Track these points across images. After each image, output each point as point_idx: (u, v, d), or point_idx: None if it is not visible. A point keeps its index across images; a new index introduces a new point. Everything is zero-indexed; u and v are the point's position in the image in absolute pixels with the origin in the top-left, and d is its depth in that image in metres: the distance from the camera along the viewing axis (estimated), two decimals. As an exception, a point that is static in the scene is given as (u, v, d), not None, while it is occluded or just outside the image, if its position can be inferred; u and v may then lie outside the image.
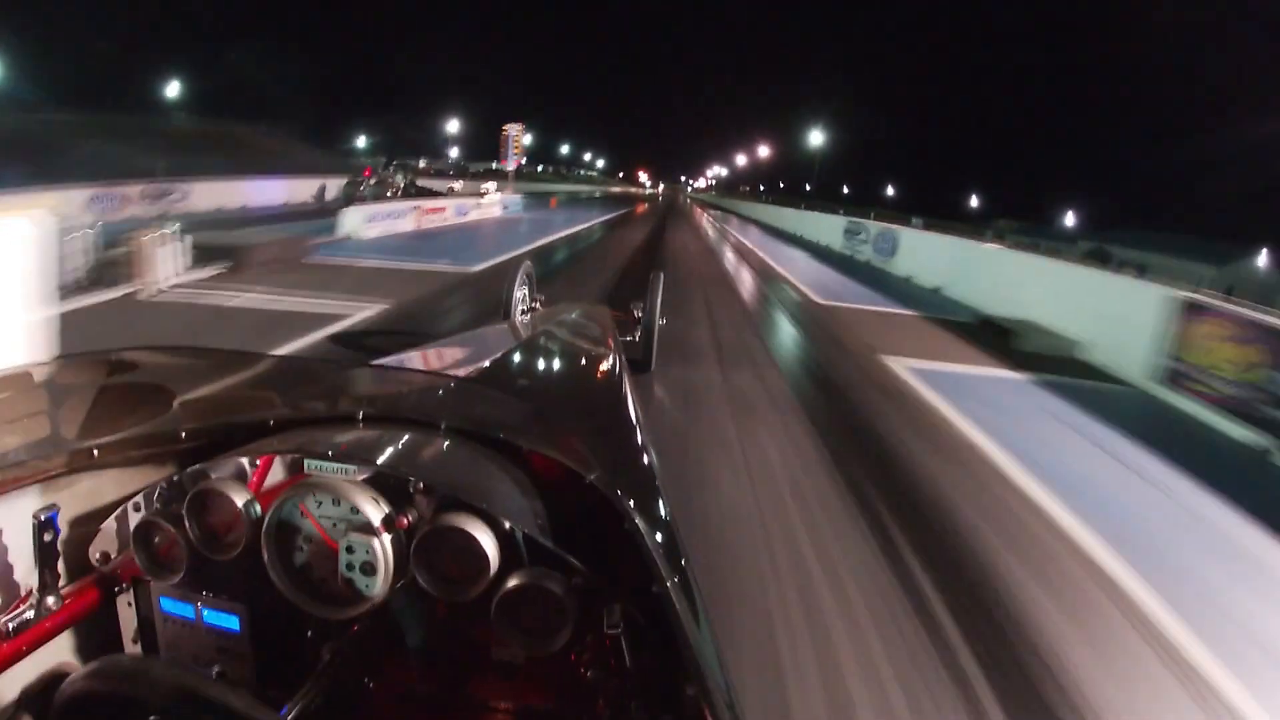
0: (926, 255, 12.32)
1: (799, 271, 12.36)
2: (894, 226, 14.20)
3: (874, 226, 15.24)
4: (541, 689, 0.92)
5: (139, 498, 0.93)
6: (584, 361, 2.29)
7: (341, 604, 0.86)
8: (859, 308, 8.83)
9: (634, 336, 4.64)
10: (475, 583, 0.83)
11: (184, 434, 0.99)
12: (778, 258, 15.03)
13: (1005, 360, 6.51)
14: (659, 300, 4.76)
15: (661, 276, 4.99)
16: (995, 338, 7.51)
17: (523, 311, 4.65)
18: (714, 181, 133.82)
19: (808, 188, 64.58)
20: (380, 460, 0.88)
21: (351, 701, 0.90)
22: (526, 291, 4.85)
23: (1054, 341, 7.24)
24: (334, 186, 25.87)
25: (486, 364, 1.87)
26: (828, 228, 19.07)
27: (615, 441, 1.39)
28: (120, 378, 1.26)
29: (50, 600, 0.85)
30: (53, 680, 0.81)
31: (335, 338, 5.57)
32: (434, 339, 3.03)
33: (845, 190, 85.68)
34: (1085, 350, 7.08)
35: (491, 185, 23.25)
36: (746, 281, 10.94)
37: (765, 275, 11.85)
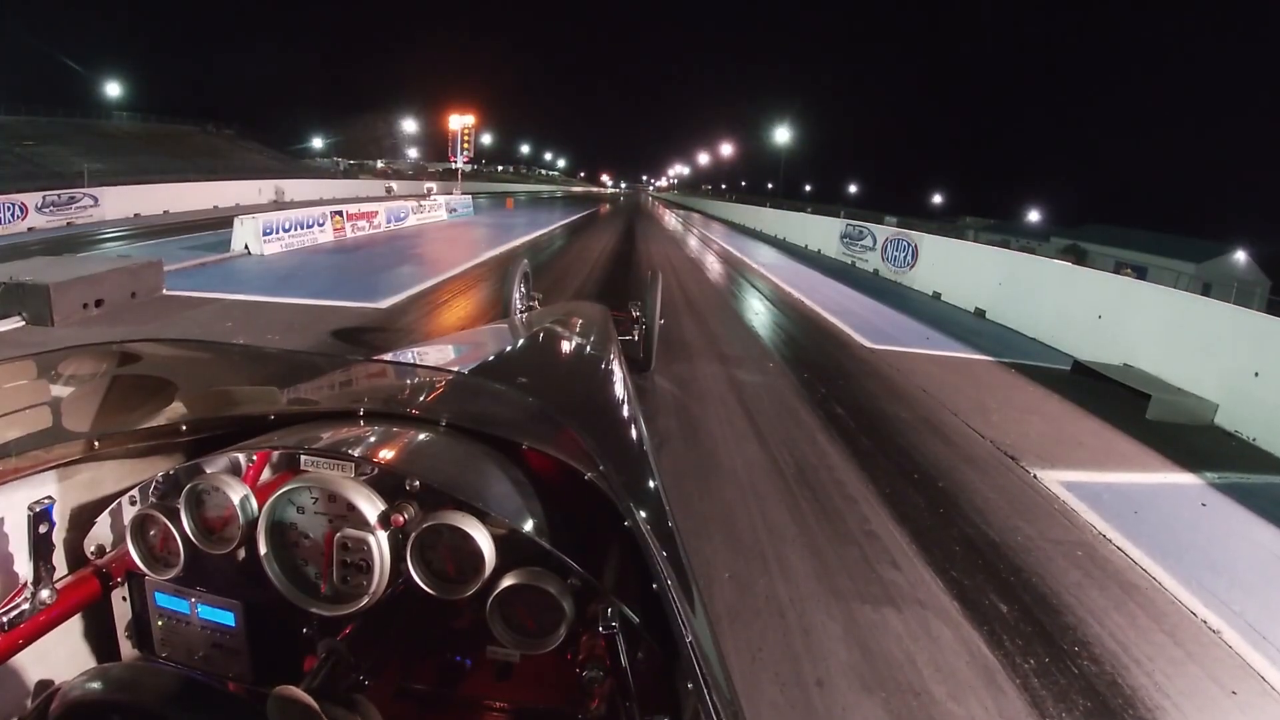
0: (958, 268, 10.27)
1: (818, 294, 10.01)
2: (909, 232, 12.14)
3: (882, 231, 13.16)
4: (537, 688, 0.90)
5: (135, 491, 0.93)
6: (583, 359, 2.23)
7: (337, 601, 0.85)
8: (920, 353, 6.58)
9: (634, 336, 4.62)
10: (471, 581, 0.82)
11: (184, 427, 0.99)
12: (780, 273, 12.70)
13: (1154, 447, 4.47)
14: (658, 299, 4.69)
15: (660, 276, 4.90)
16: (1114, 399, 5.45)
17: (521, 309, 4.67)
18: (675, 181, 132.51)
19: (770, 186, 63.32)
20: (376, 458, 0.87)
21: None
22: (525, 289, 4.89)
23: (1187, 405, 5.21)
24: (293, 187, 23.33)
25: (486, 360, 1.89)
26: (819, 231, 16.96)
27: (614, 439, 1.40)
28: (122, 370, 1.22)
29: (45, 593, 0.84)
30: (50, 686, 0.76)
31: (337, 332, 5.53)
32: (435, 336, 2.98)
33: (808, 188, 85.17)
34: (1228, 417, 5.08)
35: (434, 186, 20.31)
36: (760, 312, 8.61)
37: (784, 304, 9.51)
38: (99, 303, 5.97)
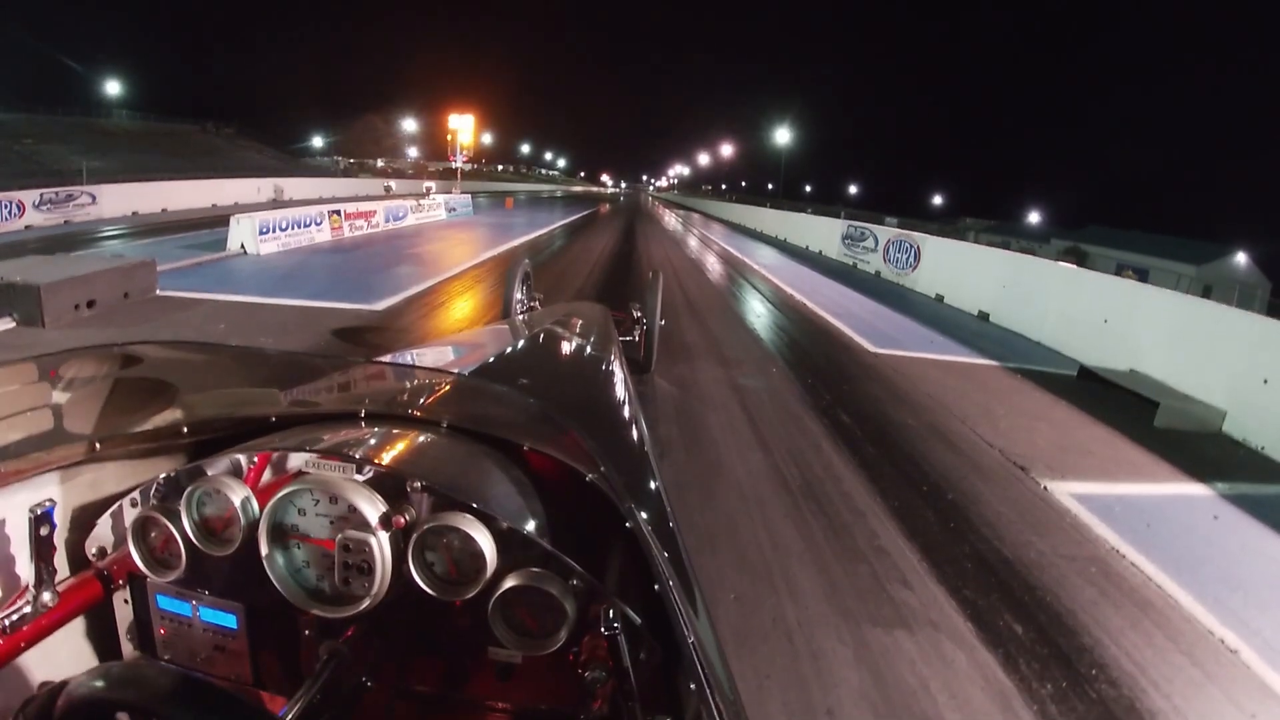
0: (960, 270, 10.20)
1: (819, 296, 9.94)
2: (912, 234, 12.06)
3: (884, 233, 13.08)
4: (539, 689, 0.89)
5: (136, 493, 0.92)
6: (583, 360, 2.21)
7: (339, 603, 0.84)
8: (924, 358, 6.50)
9: (634, 336, 4.57)
10: (472, 583, 0.82)
11: (185, 429, 0.98)
12: (781, 274, 12.63)
13: (1164, 456, 4.40)
14: (659, 300, 4.60)
15: (660, 276, 4.85)
16: (1121, 405, 5.38)
17: (522, 310, 4.63)
18: (675, 181, 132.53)
19: (770, 187, 63.34)
20: (378, 459, 0.86)
21: (350, 702, 0.86)
22: (525, 290, 4.82)
23: (1195, 412, 5.14)
24: (292, 186, 23.13)
25: (487, 362, 1.86)
26: (820, 232, 16.89)
27: (615, 440, 1.39)
28: (123, 372, 1.21)
29: (46, 596, 0.83)
30: (53, 684, 0.74)
31: (338, 332, 5.52)
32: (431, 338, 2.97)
33: (808, 189, 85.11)
34: (1236, 425, 5.01)
35: (433, 185, 20.17)
36: (762, 314, 8.54)
37: (785, 307, 9.44)
38: (91, 303, 5.88)
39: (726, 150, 73.55)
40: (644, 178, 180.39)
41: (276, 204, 19.61)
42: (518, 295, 4.66)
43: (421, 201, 17.77)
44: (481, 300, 7.59)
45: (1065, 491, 3.61)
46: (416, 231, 15.29)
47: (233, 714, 0.56)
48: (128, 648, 0.97)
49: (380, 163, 63.51)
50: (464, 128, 23.80)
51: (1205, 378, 5.40)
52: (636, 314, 4.66)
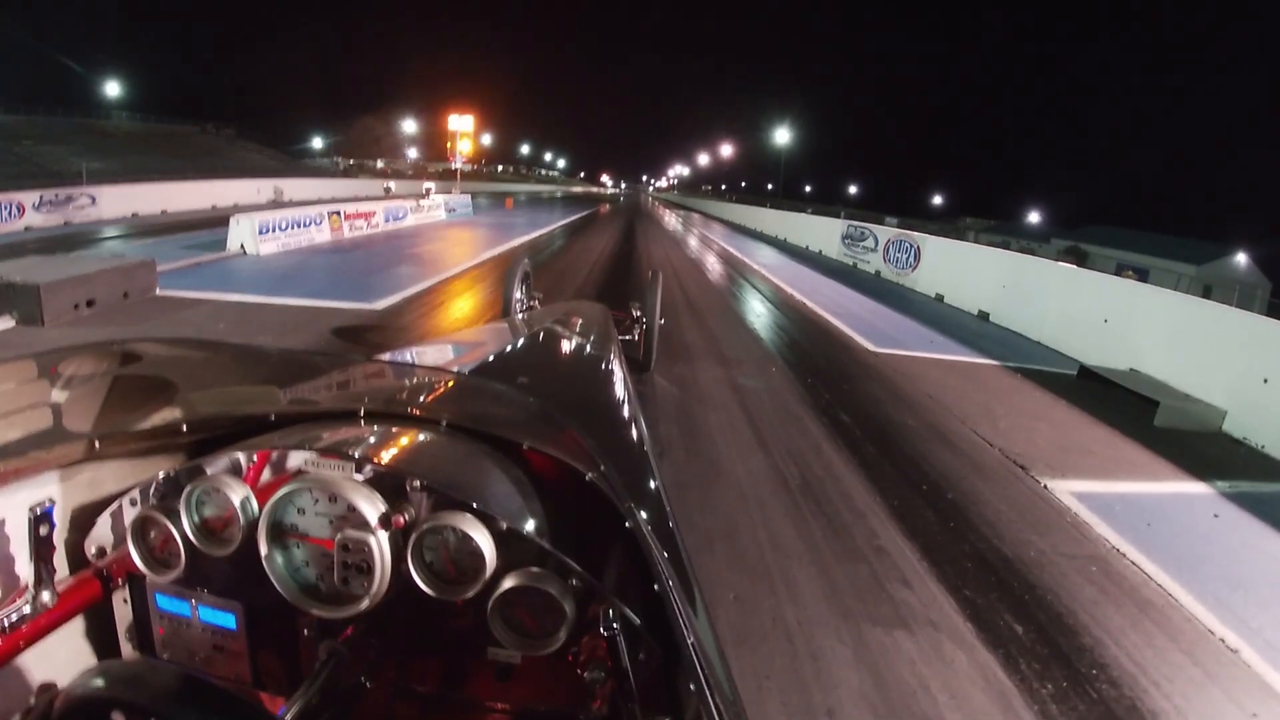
0: (961, 270, 10.20)
1: (819, 296, 9.94)
2: (912, 234, 12.06)
3: (884, 232, 13.08)
4: (538, 689, 0.89)
5: (135, 492, 0.92)
6: (583, 359, 2.22)
7: (338, 603, 0.84)
8: (924, 357, 6.50)
9: (633, 336, 4.57)
10: (472, 583, 0.81)
11: (184, 428, 0.98)
12: (781, 274, 12.62)
13: (1164, 455, 4.39)
14: (658, 299, 4.63)
15: (660, 275, 4.88)
16: (1121, 405, 5.37)
17: (522, 309, 4.63)
18: (675, 181, 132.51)
19: (770, 187, 63.39)
20: (377, 458, 0.86)
21: (349, 702, 0.85)
22: (525, 289, 4.82)
23: (1195, 411, 5.14)
24: (292, 187, 23.09)
25: (486, 360, 1.85)
26: (820, 232, 16.89)
27: (614, 439, 1.38)
28: (123, 370, 1.21)
29: (45, 595, 0.83)
30: (52, 685, 0.83)
31: (337, 332, 5.54)
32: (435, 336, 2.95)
33: (808, 189, 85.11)
34: (1236, 424, 5.02)
35: (432, 185, 20.15)
36: (762, 314, 8.53)
37: (785, 306, 9.44)
38: (90, 303, 5.87)
39: (726, 150, 73.63)
40: (644, 178, 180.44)
41: (276, 204, 19.60)
42: (517, 294, 4.65)
43: (421, 202, 17.74)
44: (481, 300, 7.59)
45: (1065, 490, 3.61)
46: (416, 232, 15.27)
47: (231, 713, 0.55)
48: (127, 647, 0.97)
49: (380, 163, 63.47)
50: (463, 128, 23.81)
51: (1205, 377, 5.40)
52: (636, 313, 4.66)
